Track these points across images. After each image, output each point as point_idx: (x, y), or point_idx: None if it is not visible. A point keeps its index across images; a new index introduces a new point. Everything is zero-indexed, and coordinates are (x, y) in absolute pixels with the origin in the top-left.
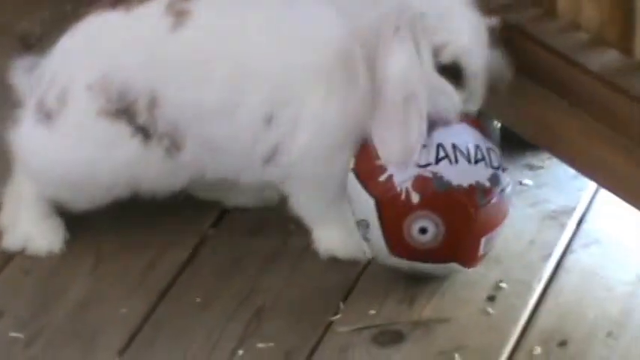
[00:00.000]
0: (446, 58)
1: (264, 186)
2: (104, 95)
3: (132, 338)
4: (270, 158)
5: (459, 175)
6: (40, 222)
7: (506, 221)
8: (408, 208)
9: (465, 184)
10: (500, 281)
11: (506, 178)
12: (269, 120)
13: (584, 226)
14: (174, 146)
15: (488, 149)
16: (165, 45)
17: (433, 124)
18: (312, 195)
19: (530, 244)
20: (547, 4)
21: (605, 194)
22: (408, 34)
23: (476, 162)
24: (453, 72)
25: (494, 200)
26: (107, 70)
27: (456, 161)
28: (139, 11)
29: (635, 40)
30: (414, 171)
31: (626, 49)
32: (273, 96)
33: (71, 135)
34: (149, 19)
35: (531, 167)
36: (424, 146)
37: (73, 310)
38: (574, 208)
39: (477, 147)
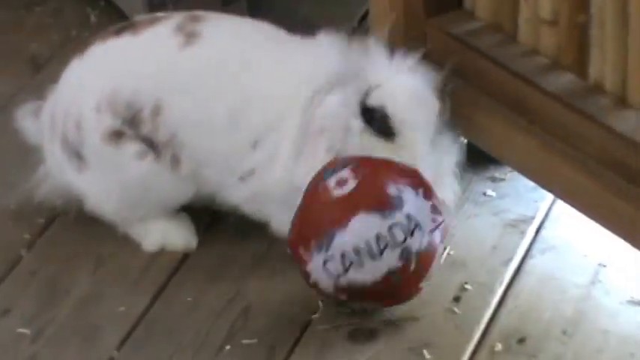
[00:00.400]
0: (372, 100)
1: (240, 207)
2: (111, 111)
3: (129, 334)
4: (245, 177)
5: (371, 272)
6: (169, 220)
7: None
8: (342, 301)
9: (379, 277)
10: (465, 283)
11: (418, 235)
12: (254, 144)
13: (542, 233)
14: (174, 159)
15: (390, 227)
16: (175, 60)
17: (332, 233)
18: (291, 215)
19: (493, 250)
20: (509, 30)
21: (561, 205)
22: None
23: (381, 253)
24: (379, 119)
25: (412, 268)
26: (114, 86)
27: (362, 264)
28: (148, 32)
29: (589, 65)
30: (331, 282)
31: (581, 72)
32: (264, 122)
33: (105, 164)
34: (159, 38)
35: (494, 179)
36: (331, 258)
37: (75, 308)
38: (533, 217)
39: (378, 237)
